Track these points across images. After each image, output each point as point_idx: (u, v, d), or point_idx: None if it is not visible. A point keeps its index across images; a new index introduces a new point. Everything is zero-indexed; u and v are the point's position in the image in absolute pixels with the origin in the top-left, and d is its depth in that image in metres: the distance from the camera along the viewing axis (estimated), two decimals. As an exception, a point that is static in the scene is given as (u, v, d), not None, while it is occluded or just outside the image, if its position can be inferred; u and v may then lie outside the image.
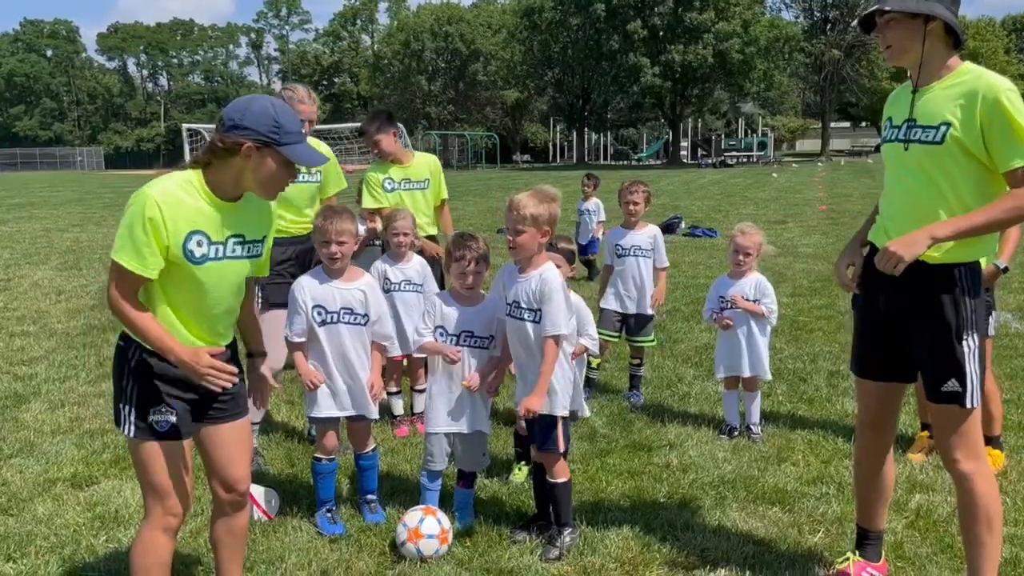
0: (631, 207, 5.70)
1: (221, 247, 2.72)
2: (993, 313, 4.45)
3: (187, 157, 17.73)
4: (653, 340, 5.98)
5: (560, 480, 3.63)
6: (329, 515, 3.88)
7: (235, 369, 2.74)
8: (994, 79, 2.77)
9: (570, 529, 3.64)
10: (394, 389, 5.30)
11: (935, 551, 3.55)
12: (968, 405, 2.88)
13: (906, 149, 2.92)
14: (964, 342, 2.89)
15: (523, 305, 3.55)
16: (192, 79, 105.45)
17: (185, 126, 18.32)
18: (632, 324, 5.75)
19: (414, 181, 5.57)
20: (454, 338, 3.80)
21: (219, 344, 2.82)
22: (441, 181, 5.73)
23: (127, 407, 2.72)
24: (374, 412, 3.96)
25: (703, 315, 5.38)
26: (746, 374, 5.04)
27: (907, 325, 2.99)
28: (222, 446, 2.90)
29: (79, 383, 6.26)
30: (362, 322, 3.90)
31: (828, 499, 4.09)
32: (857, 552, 3.34)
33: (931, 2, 2.80)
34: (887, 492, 3.33)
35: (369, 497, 4.02)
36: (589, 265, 10.67)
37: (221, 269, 2.73)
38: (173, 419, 2.73)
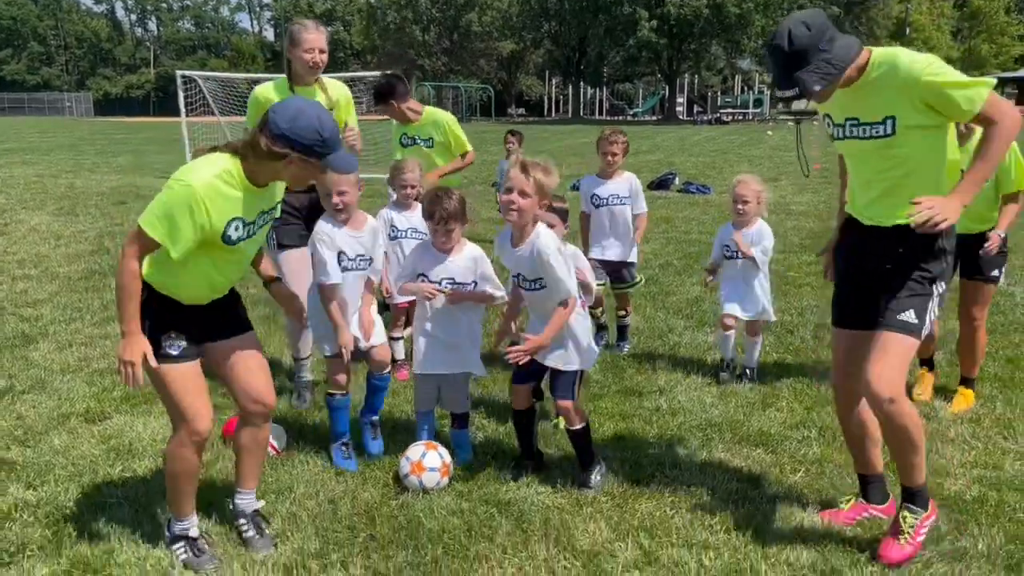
0: (609, 157, 5.71)
1: (252, 226, 3.00)
2: (1004, 267, 4.73)
3: (182, 105, 17.76)
4: (640, 281, 6.07)
5: (578, 427, 3.78)
6: (344, 449, 4.05)
7: (137, 385, 2.93)
8: (909, 65, 2.92)
9: (598, 466, 3.82)
10: (397, 334, 5.46)
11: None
12: (921, 336, 3.12)
13: (861, 143, 3.12)
14: (935, 286, 3.14)
15: (527, 276, 3.64)
16: (182, 25, 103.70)
17: (180, 73, 18.07)
18: (614, 270, 5.86)
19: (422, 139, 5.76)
20: (435, 285, 3.95)
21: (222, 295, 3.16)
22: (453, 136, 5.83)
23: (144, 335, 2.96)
24: (382, 338, 4.13)
25: (711, 260, 5.48)
26: (746, 316, 5.23)
27: (889, 270, 3.18)
28: (236, 360, 3.18)
29: (84, 325, 6.40)
30: (367, 267, 4.07)
31: (809, 442, 4.30)
32: (861, 497, 3.56)
33: (841, 53, 2.90)
34: (874, 434, 3.48)
35: (374, 419, 4.21)
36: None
37: (249, 243, 3.05)
38: (184, 343, 3.02)
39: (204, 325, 3.10)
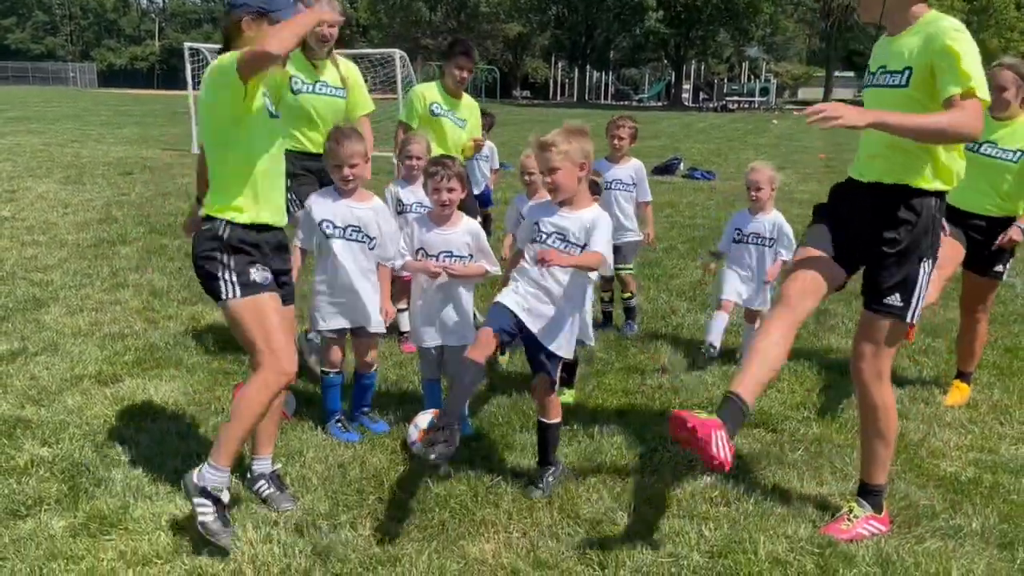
0: (616, 141, 5.79)
1: (273, 107, 3.21)
2: (1010, 261, 4.70)
3: (189, 78, 17.76)
4: (631, 268, 6.11)
5: (552, 421, 3.62)
6: (340, 424, 4.13)
7: None
8: (945, 21, 3.01)
9: (554, 468, 3.64)
10: (403, 306, 5.53)
11: (904, 469, 3.85)
12: (908, 319, 3.18)
13: (880, 91, 3.16)
14: (923, 264, 3.18)
15: (567, 239, 3.42)
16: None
17: (188, 44, 18.00)
18: (616, 254, 5.88)
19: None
20: (433, 258, 4.01)
21: (282, 219, 3.28)
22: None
23: (228, 273, 3.09)
24: (376, 325, 4.10)
25: (718, 246, 5.51)
26: (755, 306, 5.27)
27: (874, 242, 3.17)
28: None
29: (95, 290, 6.47)
30: (365, 240, 4.05)
31: (809, 422, 4.38)
32: (716, 413, 3.20)
33: None
34: (772, 364, 3.26)
35: (365, 409, 4.25)
36: (487, 220, 7.53)
37: (276, 124, 3.24)
38: (269, 275, 3.15)
39: (277, 279, 3.23)
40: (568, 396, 4.59)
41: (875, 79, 3.20)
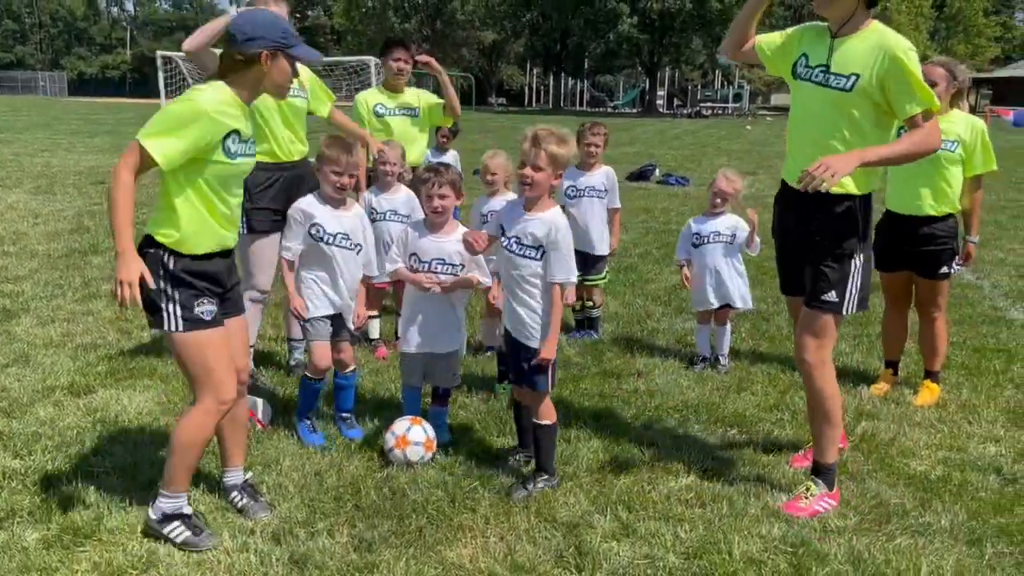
0: (591, 148, 5.75)
1: (244, 145, 3.07)
2: (954, 260, 4.78)
3: (161, 86, 17.64)
4: (605, 277, 6.09)
5: (545, 423, 3.64)
6: (308, 424, 4.13)
7: (132, 306, 2.85)
8: (895, 38, 3.20)
9: (546, 476, 3.63)
10: (373, 313, 5.53)
11: (875, 468, 3.91)
12: (843, 313, 3.44)
13: (820, 89, 3.32)
14: (853, 259, 3.41)
15: (525, 243, 3.52)
16: (160, 5, 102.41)
17: (160, 53, 17.91)
18: (583, 263, 5.88)
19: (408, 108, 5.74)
20: (426, 265, 4.03)
21: (233, 239, 3.18)
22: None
23: (171, 305, 2.99)
24: (351, 324, 4.20)
25: (676, 254, 5.63)
26: (716, 305, 5.35)
27: (810, 245, 3.47)
28: (232, 337, 3.20)
29: (66, 301, 6.40)
30: (354, 248, 4.11)
31: (783, 424, 4.43)
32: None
33: None
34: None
35: (344, 414, 4.25)
36: None
37: (243, 163, 3.10)
38: (215, 307, 3.06)
39: (224, 299, 3.16)
40: (503, 393, 4.65)
41: (814, 75, 3.35)
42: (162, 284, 2.97)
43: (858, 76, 3.21)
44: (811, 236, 3.44)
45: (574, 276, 3.59)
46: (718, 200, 5.29)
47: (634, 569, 3.05)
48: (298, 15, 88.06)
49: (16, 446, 3.89)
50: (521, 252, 3.53)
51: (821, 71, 3.32)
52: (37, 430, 4.07)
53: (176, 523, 3.12)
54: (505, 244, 3.59)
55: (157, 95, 17.83)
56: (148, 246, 2.99)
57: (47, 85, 76.06)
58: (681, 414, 4.55)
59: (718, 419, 4.48)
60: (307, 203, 4.08)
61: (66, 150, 18.87)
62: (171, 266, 2.98)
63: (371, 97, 5.70)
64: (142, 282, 2.86)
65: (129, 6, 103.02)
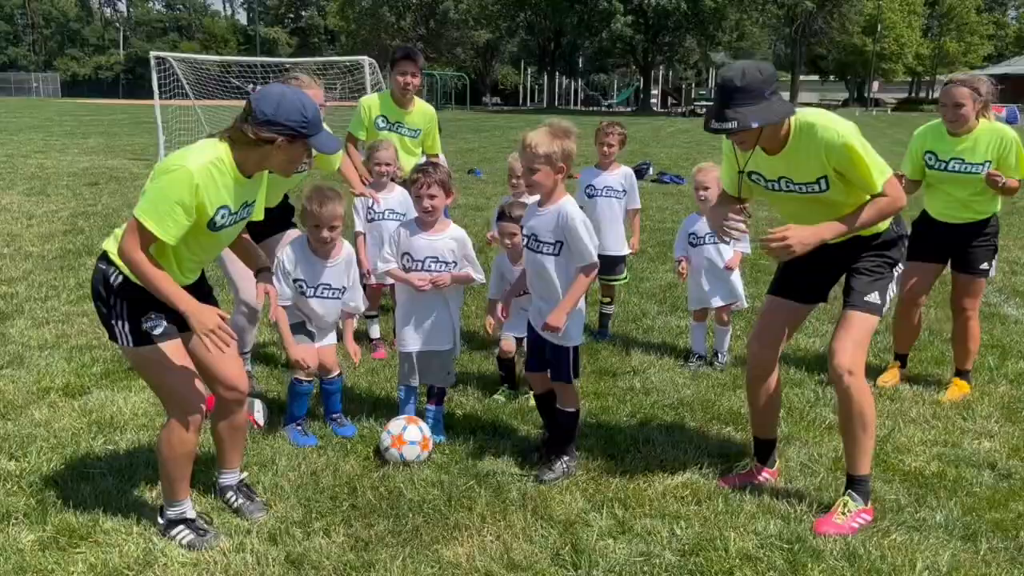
0: (606, 148, 5.78)
1: (235, 216, 3.01)
2: (994, 260, 4.87)
3: (155, 86, 17.52)
4: (625, 277, 6.17)
5: (569, 409, 3.75)
6: (299, 428, 4.12)
7: (233, 337, 2.91)
8: (829, 136, 3.17)
9: (568, 457, 3.74)
10: (372, 313, 5.53)
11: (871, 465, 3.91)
12: (881, 315, 3.47)
13: (797, 196, 3.37)
14: (895, 269, 3.51)
15: (541, 239, 3.59)
16: (153, 6, 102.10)
17: (153, 53, 17.78)
18: (604, 263, 5.92)
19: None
20: (419, 263, 4.04)
21: (193, 279, 3.10)
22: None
23: (120, 322, 2.96)
24: (334, 339, 4.26)
25: (675, 251, 5.62)
26: (718, 304, 5.35)
27: (856, 257, 3.48)
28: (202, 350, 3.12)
29: (61, 303, 6.39)
30: (337, 296, 4.13)
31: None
32: (756, 459, 3.80)
33: (779, 108, 3.14)
34: (776, 401, 3.77)
35: (335, 415, 4.26)
36: None
37: (231, 230, 3.04)
38: (164, 323, 2.97)
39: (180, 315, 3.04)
40: (501, 396, 4.65)
41: (781, 186, 3.38)
42: (111, 300, 2.94)
43: (826, 178, 3.24)
44: (860, 249, 3.49)
45: (593, 257, 3.60)
46: (701, 193, 5.30)
47: (630, 566, 3.05)
48: (291, 15, 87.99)
49: (11, 448, 3.88)
50: (538, 248, 3.62)
51: (786, 182, 3.36)
52: (32, 432, 4.06)
53: (180, 527, 3.15)
54: (525, 242, 3.70)
55: (151, 96, 17.73)
56: (100, 261, 2.98)
57: (40, 86, 75.97)
58: (677, 412, 4.56)
59: (713, 416, 4.49)
60: (292, 256, 4.05)
61: (59, 151, 18.84)
62: (115, 282, 2.93)
63: (375, 107, 5.71)
64: (99, 299, 2.91)
65: (122, 7, 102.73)
